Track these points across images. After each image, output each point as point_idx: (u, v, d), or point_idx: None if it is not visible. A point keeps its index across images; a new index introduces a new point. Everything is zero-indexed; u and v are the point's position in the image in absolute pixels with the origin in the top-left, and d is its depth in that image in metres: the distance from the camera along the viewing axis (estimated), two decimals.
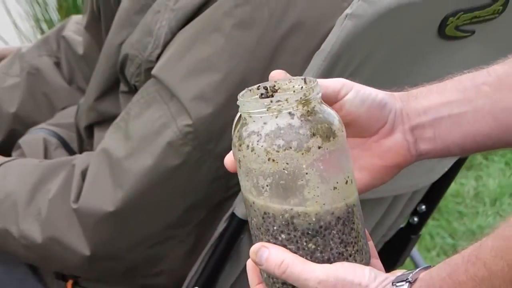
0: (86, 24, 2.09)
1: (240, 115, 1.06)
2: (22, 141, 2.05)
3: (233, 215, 1.64)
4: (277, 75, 1.09)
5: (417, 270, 1.02)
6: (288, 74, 1.09)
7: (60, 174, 1.79)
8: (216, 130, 1.67)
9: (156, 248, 1.81)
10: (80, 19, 2.32)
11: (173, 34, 1.71)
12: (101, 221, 1.73)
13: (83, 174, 1.73)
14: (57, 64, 2.25)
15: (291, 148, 1.03)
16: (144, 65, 1.73)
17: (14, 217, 1.81)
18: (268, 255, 1.09)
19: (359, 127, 1.18)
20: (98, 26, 2.05)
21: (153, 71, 1.68)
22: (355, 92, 1.14)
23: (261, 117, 1.05)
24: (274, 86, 1.07)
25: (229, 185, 1.67)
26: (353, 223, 1.11)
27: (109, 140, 1.76)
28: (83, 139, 1.97)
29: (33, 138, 2.12)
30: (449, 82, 1.23)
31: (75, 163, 1.78)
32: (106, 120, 1.87)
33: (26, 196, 1.81)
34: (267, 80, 1.15)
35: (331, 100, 1.12)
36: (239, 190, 1.11)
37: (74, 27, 2.30)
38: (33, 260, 1.91)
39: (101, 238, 1.76)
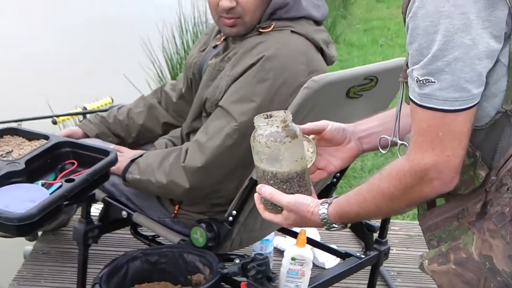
0: (185, 90, 2.78)
1: (254, 126, 1.67)
2: (156, 143, 2.80)
3: (251, 178, 2.33)
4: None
5: (333, 197, 1.67)
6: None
7: (175, 152, 2.48)
8: (247, 129, 2.13)
9: (221, 185, 2.48)
10: (173, 82, 2.99)
11: (228, 87, 2.39)
12: (194, 170, 2.41)
13: (186, 151, 2.43)
14: (159, 103, 2.91)
15: (276, 141, 1.64)
16: (215, 102, 2.43)
17: (152, 173, 2.48)
18: (264, 190, 1.70)
19: (335, 140, 1.83)
20: (189, 89, 2.73)
21: (219, 104, 2.39)
22: (332, 125, 1.81)
23: (263, 127, 1.67)
24: (271, 114, 1.68)
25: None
26: (304, 178, 1.71)
27: (197, 136, 2.44)
28: (184, 140, 2.66)
29: (160, 142, 2.81)
30: (374, 117, 1.86)
31: (182, 147, 2.47)
32: (195, 130, 2.52)
33: (158, 163, 2.48)
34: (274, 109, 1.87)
35: (322, 129, 1.80)
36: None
37: (169, 86, 2.93)
38: (160, 193, 2.60)
39: (194, 179, 2.42)
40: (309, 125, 1.80)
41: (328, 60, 2.49)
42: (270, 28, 2.40)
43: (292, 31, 2.40)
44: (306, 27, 2.43)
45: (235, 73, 2.38)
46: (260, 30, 2.41)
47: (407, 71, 1.49)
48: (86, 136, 2.81)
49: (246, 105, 2.33)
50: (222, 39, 2.55)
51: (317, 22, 2.49)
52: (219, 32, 2.62)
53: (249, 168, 2.27)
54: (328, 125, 1.80)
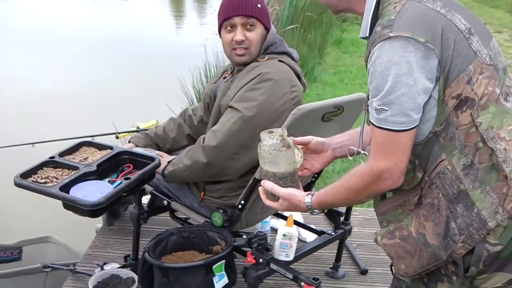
0: (203, 113, 2.76)
1: (260, 138, 1.68)
2: (186, 149, 2.56)
3: (254, 178, 2.31)
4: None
5: (314, 191, 1.67)
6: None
7: (196, 143, 2.47)
8: (250, 119, 2.33)
9: (230, 162, 2.42)
10: (192, 107, 2.94)
11: (235, 94, 2.39)
12: (211, 149, 2.38)
13: (204, 138, 2.41)
14: (184, 122, 2.86)
15: (276, 150, 1.65)
16: (226, 106, 2.41)
17: (181, 161, 2.47)
18: (266, 184, 1.70)
19: (317, 150, 1.83)
20: (207, 111, 2.71)
21: (229, 105, 2.39)
22: (315, 139, 1.82)
23: (266, 139, 1.67)
24: (272, 130, 1.69)
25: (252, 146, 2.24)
26: (295, 176, 1.71)
27: (213, 127, 2.41)
28: None
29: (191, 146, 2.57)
30: (344, 133, 1.86)
31: (200, 137, 2.44)
32: None
33: (184, 154, 2.47)
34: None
35: (308, 142, 1.81)
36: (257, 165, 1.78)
37: (191, 110, 2.88)
38: (188, 175, 2.51)
39: (210, 155, 2.39)
40: (299, 139, 1.81)
41: (303, 85, 2.55)
42: (265, 59, 2.47)
43: (279, 60, 2.47)
44: (289, 60, 2.51)
45: (240, 84, 2.42)
46: (258, 60, 2.47)
47: (368, 102, 1.48)
48: (137, 146, 2.80)
49: (249, 103, 2.35)
50: (229, 72, 2.60)
51: (294, 59, 2.56)
52: (226, 70, 2.67)
53: (250, 150, 2.34)
54: (313, 139, 1.82)
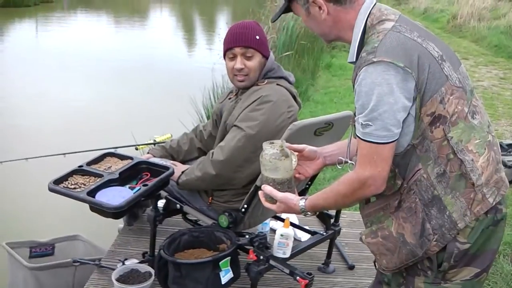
0: (211, 128, 2.76)
1: (262, 148, 1.68)
2: (198, 162, 2.56)
3: (255, 185, 2.32)
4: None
5: (308, 196, 1.66)
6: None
7: (205, 157, 2.47)
8: (252, 137, 2.33)
9: (235, 174, 2.42)
10: (203, 124, 2.92)
11: (239, 115, 2.40)
12: (218, 162, 2.38)
13: (212, 153, 2.41)
14: (196, 136, 2.85)
15: (275, 158, 1.65)
16: (231, 125, 2.42)
17: (193, 172, 2.47)
18: (266, 188, 1.69)
19: (310, 158, 1.82)
20: (215, 127, 2.71)
21: (234, 124, 2.40)
22: (309, 148, 1.82)
23: (268, 149, 1.67)
24: (273, 141, 1.68)
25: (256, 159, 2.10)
26: (291, 183, 1.69)
27: (220, 143, 2.42)
28: None
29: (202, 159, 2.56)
30: (334, 144, 1.87)
31: (209, 152, 2.45)
32: None
33: (195, 166, 2.46)
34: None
35: (302, 150, 1.79)
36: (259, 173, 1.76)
37: (201, 126, 2.88)
38: (199, 184, 2.49)
39: (218, 168, 2.39)
40: (295, 146, 1.80)
41: (298, 105, 2.54)
42: (264, 83, 2.47)
43: (277, 84, 2.47)
44: (285, 83, 2.50)
45: (243, 106, 2.42)
46: (258, 84, 2.47)
47: (355, 118, 1.49)
48: (154, 157, 2.79)
49: (251, 122, 2.36)
50: (234, 94, 2.60)
51: (290, 83, 2.55)
52: (231, 91, 2.66)
53: (253, 164, 2.33)
54: (306, 148, 1.81)
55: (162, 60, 11.76)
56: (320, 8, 1.55)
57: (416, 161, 1.47)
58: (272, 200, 1.69)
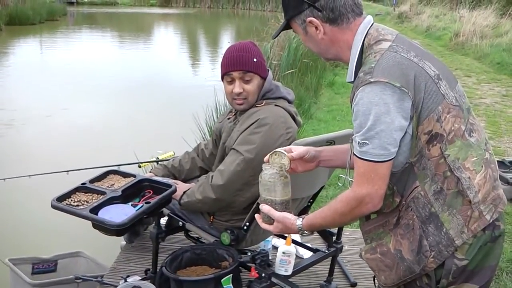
0: (212, 147, 2.78)
1: (260, 166, 1.69)
2: (200, 178, 2.69)
3: (257, 203, 2.25)
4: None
5: (306, 215, 1.65)
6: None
7: (205, 180, 2.48)
8: (251, 161, 2.33)
9: (235, 197, 2.43)
10: (205, 142, 2.94)
11: (237, 137, 2.41)
12: (218, 186, 2.39)
13: (212, 176, 2.41)
14: (198, 155, 2.87)
15: (274, 179, 1.65)
16: (230, 147, 2.44)
17: (193, 195, 2.47)
18: (264, 207, 1.68)
19: (308, 161, 1.78)
20: (215, 146, 2.72)
21: (232, 147, 2.41)
22: (309, 154, 1.77)
23: (267, 169, 1.67)
24: (276, 150, 1.69)
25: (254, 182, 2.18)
26: (288, 203, 1.68)
27: (219, 167, 2.43)
28: None
29: (201, 178, 2.68)
30: (332, 149, 1.86)
31: (209, 175, 2.48)
32: None
33: (196, 189, 2.47)
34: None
35: (304, 154, 1.74)
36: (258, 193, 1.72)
37: (203, 145, 2.90)
38: (200, 207, 2.52)
39: (217, 193, 2.40)
40: (296, 154, 1.74)
41: (298, 124, 2.54)
42: (262, 104, 2.47)
43: (275, 105, 2.47)
44: (284, 103, 2.50)
45: (241, 129, 2.43)
46: (256, 105, 2.47)
47: (352, 137, 1.50)
48: (156, 176, 2.80)
49: (249, 146, 2.36)
50: (233, 114, 2.61)
51: (289, 101, 2.55)
52: (231, 111, 2.68)
53: (252, 187, 2.33)
54: (307, 152, 1.76)
55: (166, 78, 11.88)
56: (316, 28, 1.57)
57: (414, 179, 1.49)
58: (270, 220, 1.68)
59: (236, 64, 2.42)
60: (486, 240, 1.50)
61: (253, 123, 2.38)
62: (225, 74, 2.46)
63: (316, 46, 1.64)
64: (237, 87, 2.43)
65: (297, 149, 1.76)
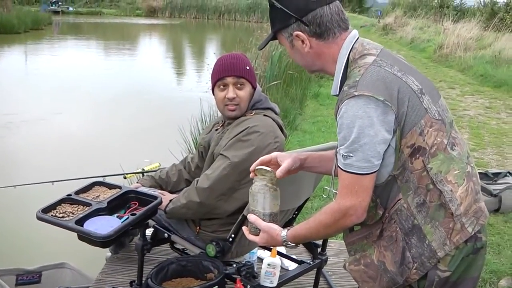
0: (198, 160, 2.79)
1: (250, 176, 1.73)
2: (184, 190, 2.59)
3: (243, 215, 2.30)
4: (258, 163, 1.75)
5: (292, 227, 1.67)
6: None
7: (191, 185, 2.49)
8: (237, 165, 2.36)
9: (219, 202, 2.43)
10: (191, 155, 2.94)
11: (226, 144, 2.43)
12: (203, 190, 2.41)
13: (197, 180, 2.45)
14: (184, 168, 2.87)
15: (264, 190, 1.67)
16: (217, 154, 2.46)
17: (179, 201, 2.49)
18: (252, 217, 1.70)
19: (294, 170, 1.79)
20: (201, 159, 2.73)
21: (220, 153, 2.44)
22: (295, 166, 1.78)
23: (258, 181, 1.69)
24: (265, 169, 1.68)
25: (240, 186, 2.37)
26: (276, 215, 1.71)
27: (206, 171, 2.46)
28: None
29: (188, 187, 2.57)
30: (317, 156, 1.85)
31: (195, 179, 2.49)
32: None
33: (181, 194, 2.49)
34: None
35: (290, 166, 1.74)
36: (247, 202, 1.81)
37: (190, 157, 2.90)
38: (185, 212, 2.50)
39: (202, 196, 2.42)
40: (284, 169, 1.74)
41: (284, 135, 2.58)
42: (252, 114, 2.51)
43: (264, 115, 2.51)
44: (272, 114, 2.55)
45: (230, 136, 2.46)
46: (246, 115, 2.51)
47: (336, 149, 1.53)
48: (143, 186, 2.80)
49: (237, 152, 2.39)
50: (221, 125, 2.64)
51: (276, 113, 2.61)
52: (217, 123, 2.71)
53: (237, 192, 2.40)
54: (293, 165, 1.75)
55: (150, 88, 11.84)
56: (303, 42, 1.59)
57: (397, 191, 1.52)
58: (256, 230, 1.69)
59: (230, 70, 2.47)
60: (468, 252, 1.52)
61: (242, 131, 2.41)
62: (219, 80, 2.50)
63: (302, 59, 1.66)
64: (230, 92, 2.46)
65: (283, 159, 1.76)
